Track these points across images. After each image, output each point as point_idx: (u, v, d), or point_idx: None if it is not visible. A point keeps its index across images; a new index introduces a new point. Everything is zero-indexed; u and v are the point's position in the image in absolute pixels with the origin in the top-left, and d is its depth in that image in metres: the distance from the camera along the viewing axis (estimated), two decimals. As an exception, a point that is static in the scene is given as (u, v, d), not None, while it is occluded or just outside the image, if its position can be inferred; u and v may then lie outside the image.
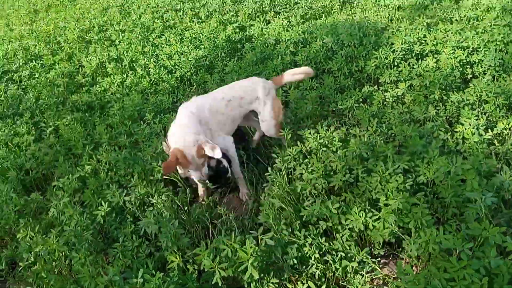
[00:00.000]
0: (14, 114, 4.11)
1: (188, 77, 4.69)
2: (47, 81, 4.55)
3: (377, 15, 5.20)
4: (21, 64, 5.19)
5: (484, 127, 2.82)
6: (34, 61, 5.21)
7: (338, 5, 5.81)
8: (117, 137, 3.62)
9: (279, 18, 5.45)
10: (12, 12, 9.72)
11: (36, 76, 4.85)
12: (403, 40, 3.96)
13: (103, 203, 2.65)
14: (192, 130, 2.77)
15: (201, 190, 3.07)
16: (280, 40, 4.74)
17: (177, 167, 2.82)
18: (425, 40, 3.97)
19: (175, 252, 2.17)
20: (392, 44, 4.04)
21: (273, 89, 3.18)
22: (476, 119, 2.88)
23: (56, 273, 2.39)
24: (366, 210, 2.31)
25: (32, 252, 2.43)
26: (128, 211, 2.67)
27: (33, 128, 3.79)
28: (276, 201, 2.50)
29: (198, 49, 5.02)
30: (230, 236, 2.11)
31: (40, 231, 2.62)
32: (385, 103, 3.50)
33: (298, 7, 5.90)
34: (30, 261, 2.44)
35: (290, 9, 5.95)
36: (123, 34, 5.73)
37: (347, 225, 2.31)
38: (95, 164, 3.15)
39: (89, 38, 5.73)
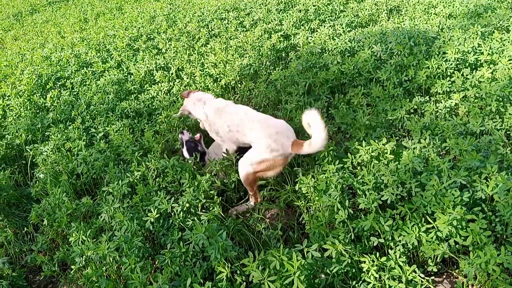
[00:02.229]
0: (66, 120, 4.27)
1: (233, 85, 4.71)
2: (97, 88, 4.71)
3: (426, 23, 5.04)
4: (73, 70, 5.39)
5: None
6: (85, 68, 5.41)
7: (385, 13, 5.69)
8: (165, 144, 3.67)
9: (324, 26, 5.39)
10: (64, 21, 10.16)
11: (87, 83, 5.02)
12: (456, 49, 3.80)
13: (152, 210, 2.69)
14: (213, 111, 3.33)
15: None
16: (326, 49, 4.68)
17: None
18: (480, 50, 3.80)
19: (224, 263, 2.16)
20: (444, 53, 3.90)
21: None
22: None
23: (106, 277, 2.44)
24: (420, 225, 2.22)
25: (84, 256, 2.50)
26: (175, 218, 2.68)
27: (84, 133, 3.92)
28: (323, 214, 2.45)
29: (242, 58, 5.04)
30: (279, 249, 2.08)
31: (91, 235, 2.69)
32: (437, 114, 3.37)
33: (343, 15, 5.82)
34: (81, 265, 2.50)
35: (335, 18, 5.88)
36: (169, 43, 5.85)
37: (399, 241, 2.23)
38: (144, 170, 3.20)
39: (137, 46, 5.89)
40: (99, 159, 3.49)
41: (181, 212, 2.70)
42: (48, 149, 3.73)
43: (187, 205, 2.72)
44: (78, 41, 6.98)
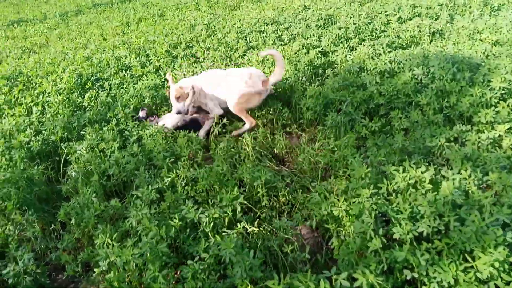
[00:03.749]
0: (102, 120, 4.34)
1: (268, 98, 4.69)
2: (134, 91, 4.77)
3: (471, 49, 4.88)
4: (112, 73, 5.50)
5: None
6: (124, 71, 5.52)
7: (427, 35, 5.56)
8: (197, 152, 3.67)
9: (364, 45, 5.31)
10: (107, 23, 10.45)
11: (125, 85, 5.11)
12: (502, 78, 3.65)
13: (176, 217, 2.67)
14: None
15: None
16: (365, 68, 4.59)
17: None
18: (529, 80, 3.63)
19: (247, 284, 2.10)
20: (489, 81, 3.74)
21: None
22: None
23: (127, 283, 2.42)
24: (457, 263, 2.10)
25: (108, 260, 2.49)
26: (201, 230, 2.65)
27: (118, 135, 3.96)
28: (354, 241, 2.36)
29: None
30: (306, 274, 2.01)
31: (116, 238, 2.69)
32: (479, 145, 3.22)
33: (384, 35, 5.73)
34: (104, 268, 2.49)
35: (376, 37, 5.79)
36: (207, 52, 5.90)
37: (434, 277, 2.11)
38: (174, 177, 3.20)
39: (176, 53, 5.97)
40: (131, 162, 3.51)
41: (207, 224, 2.66)
42: (82, 148, 3.79)
43: (215, 215, 2.69)
44: (119, 44, 7.15)
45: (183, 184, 3.18)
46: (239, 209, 2.86)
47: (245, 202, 2.97)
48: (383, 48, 5.16)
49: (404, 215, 2.36)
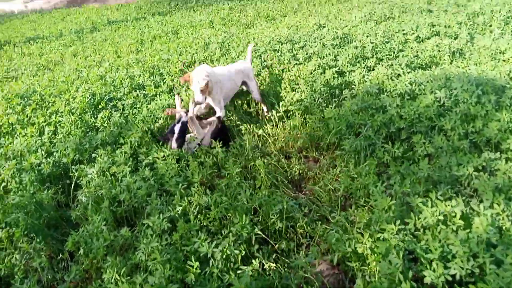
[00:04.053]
0: (114, 142, 4.24)
1: (283, 119, 4.56)
2: (148, 111, 4.69)
3: (493, 70, 4.71)
4: (125, 92, 5.44)
5: None
6: (137, 90, 5.45)
7: (447, 55, 5.40)
8: (210, 178, 3.54)
9: (382, 65, 5.17)
10: (121, 41, 10.50)
11: (138, 105, 5.03)
12: (532, 102, 3.47)
13: (192, 261, 2.51)
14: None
15: None
16: (384, 89, 4.44)
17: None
18: (560, 105, 3.45)
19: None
20: (518, 105, 3.57)
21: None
22: None
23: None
24: (495, 312, 1.91)
25: (117, 297, 2.35)
26: (214, 268, 2.50)
27: (130, 158, 3.85)
28: (381, 283, 2.18)
29: (294, 92, 4.89)
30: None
31: (126, 272, 2.55)
32: (510, 175, 3.03)
33: (402, 55, 5.58)
34: (113, 306, 2.35)
35: (394, 57, 5.65)
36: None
37: (470, 327, 1.93)
38: (186, 205, 3.07)
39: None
40: (142, 187, 3.38)
41: (221, 259, 2.51)
42: (93, 171, 3.69)
43: (228, 252, 2.54)
44: (133, 62, 7.12)
45: (196, 213, 3.04)
46: (254, 239, 2.72)
47: (260, 233, 2.81)
48: (402, 68, 5.01)
49: (434, 254, 2.19)
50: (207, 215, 3.06)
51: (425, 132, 3.77)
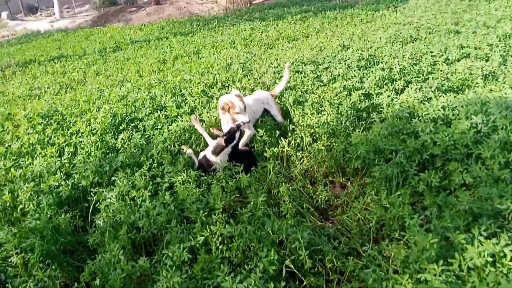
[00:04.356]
0: (134, 165, 4.13)
1: (306, 143, 4.39)
2: (169, 133, 4.58)
3: (530, 93, 4.46)
4: (147, 113, 5.37)
5: None
6: (159, 111, 5.36)
7: (480, 78, 5.17)
8: (233, 205, 3.38)
9: (410, 88, 4.98)
10: (143, 60, 10.57)
11: (159, 126, 4.93)
12: None
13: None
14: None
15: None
16: (416, 113, 4.24)
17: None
18: None
19: None
20: (562, 133, 3.33)
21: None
22: None
23: None
24: None
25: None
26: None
27: (150, 181, 3.73)
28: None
29: (320, 114, 4.73)
30: None
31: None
32: (560, 209, 2.78)
33: (432, 77, 5.38)
34: None
35: (423, 79, 5.45)
36: (244, 92, 5.70)
37: None
38: (208, 235, 2.90)
39: (212, 93, 5.80)
40: (162, 214, 3.24)
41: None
42: (112, 195, 3.56)
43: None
44: (155, 82, 7.09)
45: (218, 243, 2.87)
46: (284, 273, 2.53)
47: (291, 267, 2.62)
48: (432, 91, 4.80)
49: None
50: (230, 245, 2.89)
51: (461, 160, 3.55)
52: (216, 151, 4.03)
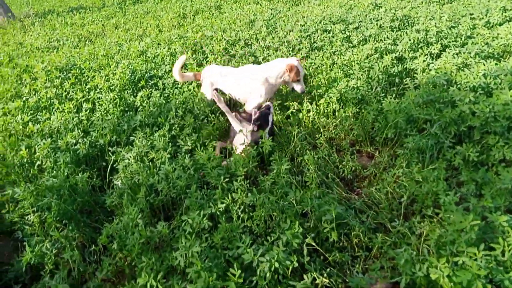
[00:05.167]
0: (153, 124, 3.99)
1: (333, 108, 4.15)
2: (189, 93, 4.40)
3: None
4: (167, 70, 5.16)
5: None
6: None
7: (525, 44, 4.77)
8: (255, 172, 3.22)
9: (448, 52, 4.62)
10: (163, 14, 10.23)
11: (180, 85, 4.74)
12: None
13: (235, 268, 2.23)
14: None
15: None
16: (453, 81, 3.93)
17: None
18: None
19: None
20: None
21: None
22: None
23: None
24: None
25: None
26: (261, 283, 2.19)
27: (170, 143, 3.58)
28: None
29: (348, 78, 4.45)
30: None
31: (162, 275, 2.29)
32: None
33: (472, 42, 4.98)
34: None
35: (461, 44, 5.06)
36: (267, 51, 5.42)
37: None
38: (229, 203, 2.77)
39: (234, 52, 5.53)
40: (182, 177, 3.11)
41: (269, 272, 2.20)
42: (130, 156, 3.44)
43: (276, 264, 2.22)
44: (175, 38, 6.81)
45: (239, 212, 2.74)
46: (305, 252, 2.40)
47: (314, 244, 2.48)
48: (472, 57, 4.44)
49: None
50: (251, 214, 2.76)
51: (501, 134, 3.28)
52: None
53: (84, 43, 8.37)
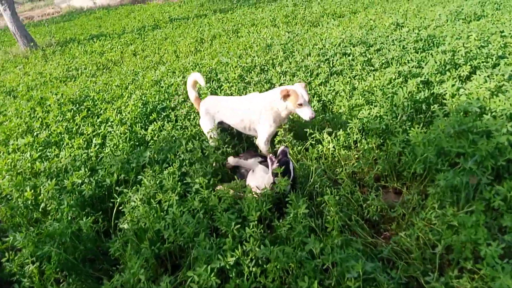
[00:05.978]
0: (163, 161, 3.78)
1: (355, 139, 3.84)
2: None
3: None
4: (180, 101, 4.98)
5: None
6: (193, 98, 4.96)
7: None
8: (269, 215, 2.94)
9: (478, 75, 4.27)
10: (181, 40, 10.20)
11: (192, 116, 4.54)
12: None
13: None
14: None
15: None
16: (488, 108, 3.58)
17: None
18: None
19: None
20: None
21: None
22: None
23: None
24: None
25: None
26: None
27: (179, 182, 3.35)
28: None
29: (370, 105, 4.15)
30: None
31: None
32: None
33: (505, 63, 4.61)
34: None
35: (492, 64, 4.70)
36: (284, 78, 5.19)
37: None
38: (240, 256, 2.49)
39: (249, 79, 5.31)
40: (190, 224, 2.85)
41: None
42: (137, 198, 3.22)
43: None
44: (190, 65, 6.67)
45: (251, 266, 2.46)
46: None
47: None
48: (506, 80, 4.08)
49: None
50: (265, 267, 2.48)
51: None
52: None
53: (102, 72, 8.36)
